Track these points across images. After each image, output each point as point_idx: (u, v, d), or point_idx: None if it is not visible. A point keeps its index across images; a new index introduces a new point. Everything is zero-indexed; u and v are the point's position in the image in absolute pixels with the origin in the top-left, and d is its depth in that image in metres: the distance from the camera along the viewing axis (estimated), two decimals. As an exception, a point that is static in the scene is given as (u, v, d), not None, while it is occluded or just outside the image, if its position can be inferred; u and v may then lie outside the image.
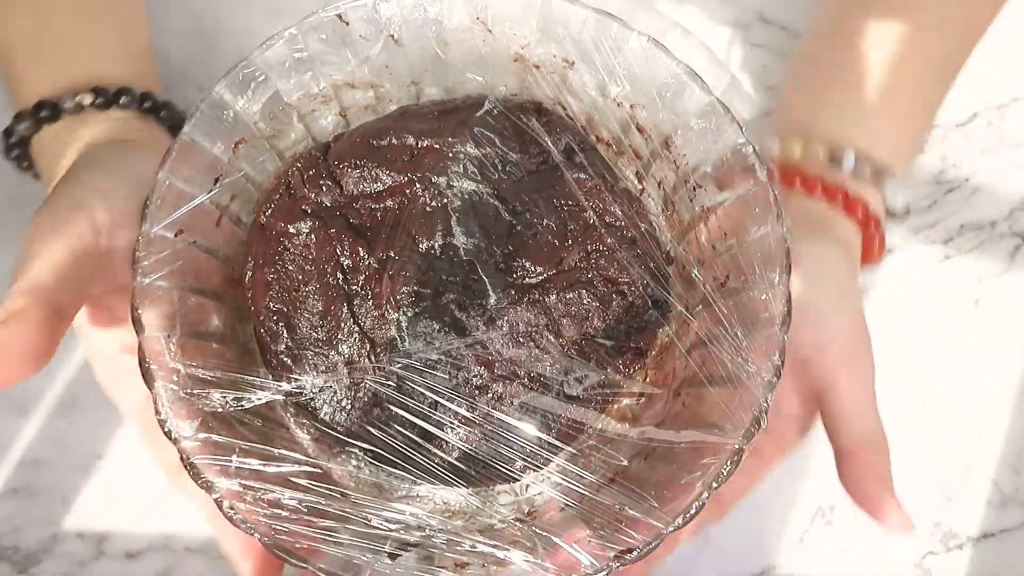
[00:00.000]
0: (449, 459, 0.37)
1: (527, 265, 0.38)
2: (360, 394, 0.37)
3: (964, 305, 0.48)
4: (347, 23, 0.36)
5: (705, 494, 0.32)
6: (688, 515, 0.32)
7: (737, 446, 0.32)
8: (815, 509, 0.46)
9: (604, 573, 0.32)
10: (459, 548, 0.35)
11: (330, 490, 0.36)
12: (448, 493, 0.39)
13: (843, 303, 0.36)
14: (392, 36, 0.37)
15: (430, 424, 0.36)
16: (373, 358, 0.37)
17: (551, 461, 0.38)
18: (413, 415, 0.36)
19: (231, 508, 0.32)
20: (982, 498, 0.46)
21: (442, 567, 0.34)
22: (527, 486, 0.39)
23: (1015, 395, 0.47)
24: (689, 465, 0.34)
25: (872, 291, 0.48)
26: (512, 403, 0.37)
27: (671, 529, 0.32)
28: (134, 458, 0.45)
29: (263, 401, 0.37)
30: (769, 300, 0.33)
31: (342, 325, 0.37)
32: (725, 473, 0.32)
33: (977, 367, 0.48)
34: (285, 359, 0.37)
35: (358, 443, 0.37)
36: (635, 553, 0.32)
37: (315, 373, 0.37)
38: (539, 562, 0.33)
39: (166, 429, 0.32)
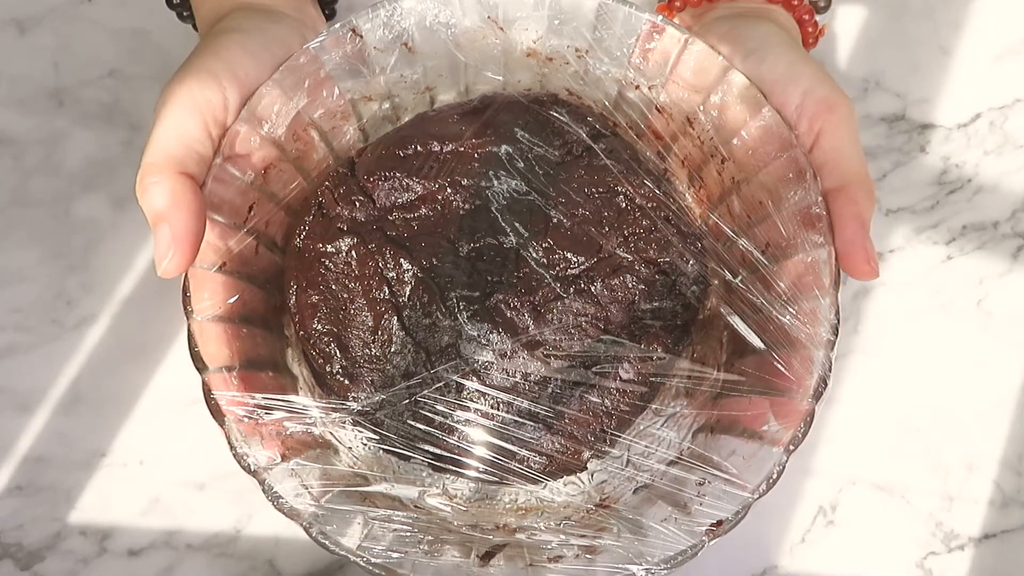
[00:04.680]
0: (517, 457, 0.36)
1: (568, 256, 0.37)
2: (421, 404, 0.36)
3: (966, 306, 0.48)
4: (361, 36, 0.35)
5: (785, 458, 0.32)
6: (771, 480, 0.32)
7: (810, 407, 0.32)
8: (816, 509, 0.46)
9: (699, 549, 0.32)
10: (549, 544, 0.35)
11: (417, 506, 0.36)
12: (517, 491, 0.39)
13: (803, 61, 0.36)
14: (406, 45, 0.37)
15: (494, 425, 0.36)
16: (429, 367, 0.36)
17: (614, 447, 0.37)
18: (476, 419, 0.36)
19: (321, 534, 0.32)
20: (984, 499, 0.46)
21: (537, 563, 0.34)
22: (593, 474, 0.39)
23: (1017, 396, 0.47)
24: (758, 433, 0.34)
25: (874, 291, 0.48)
26: (572, 394, 0.37)
27: (756, 496, 0.32)
28: (137, 455, 0.45)
29: (332, 422, 0.36)
30: (815, 261, 0.33)
31: (394, 338, 0.37)
32: (801, 435, 0.32)
33: (979, 368, 0.48)
34: (342, 379, 0.37)
35: (422, 455, 0.37)
36: (726, 525, 0.32)
37: (373, 389, 0.37)
38: (632, 543, 0.33)
39: (245, 463, 0.32)
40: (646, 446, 0.38)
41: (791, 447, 0.32)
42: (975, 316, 0.48)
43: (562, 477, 0.38)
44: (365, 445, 0.38)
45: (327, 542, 0.31)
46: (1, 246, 0.47)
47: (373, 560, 0.31)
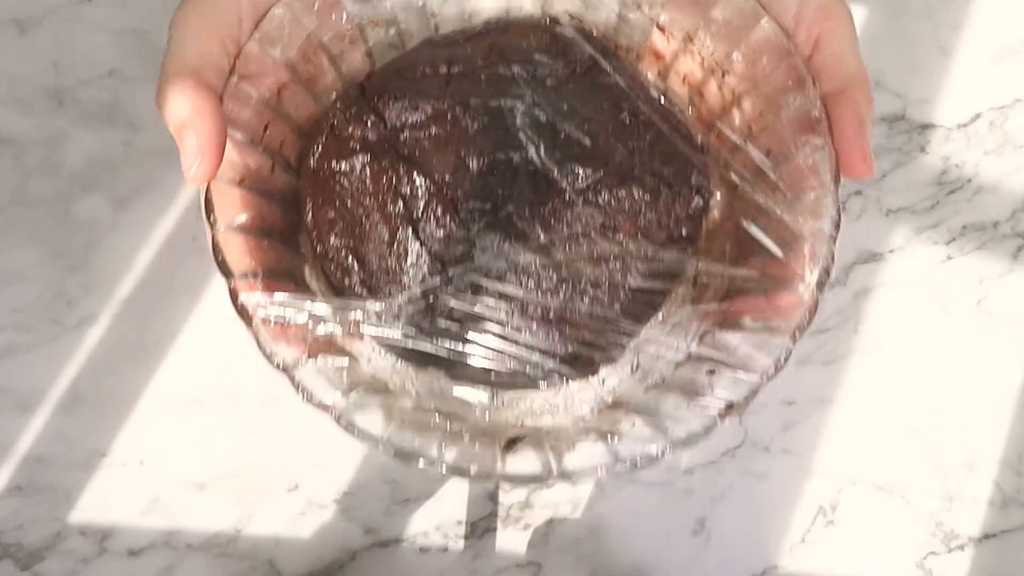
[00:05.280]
0: (530, 361, 0.38)
1: (576, 169, 0.39)
2: (437, 313, 0.38)
3: (966, 306, 0.48)
4: None
5: (791, 344, 0.33)
6: (779, 365, 0.33)
7: (815, 298, 0.34)
8: (817, 509, 0.46)
9: (712, 429, 0.34)
10: (568, 431, 0.37)
11: (438, 409, 0.38)
12: (532, 398, 0.41)
13: None
14: None
15: (508, 331, 0.38)
16: (445, 277, 0.38)
17: (624, 352, 0.39)
18: (490, 320, 0.38)
19: (348, 424, 0.33)
20: (984, 499, 0.46)
21: (558, 448, 0.35)
22: (604, 380, 0.40)
23: (1017, 396, 0.47)
24: (764, 327, 0.35)
25: (874, 291, 0.48)
26: (582, 300, 0.38)
27: (765, 380, 0.33)
28: (137, 455, 0.45)
29: (354, 323, 0.38)
30: (816, 162, 0.34)
31: (409, 250, 0.38)
32: (807, 323, 0.34)
33: (979, 368, 0.48)
34: (360, 291, 0.38)
35: (442, 352, 0.38)
36: (737, 408, 0.34)
37: (392, 299, 0.38)
38: (647, 428, 0.35)
39: (274, 361, 0.33)
40: (655, 350, 0.39)
41: (797, 333, 0.33)
42: (975, 316, 0.48)
43: (575, 380, 0.40)
44: (383, 355, 0.39)
45: (355, 431, 0.33)
46: (1, 246, 0.47)
47: (399, 445, 0.33)
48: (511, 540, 0.47)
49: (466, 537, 0.47)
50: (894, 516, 0.46)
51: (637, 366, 0.40)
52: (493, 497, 0.47)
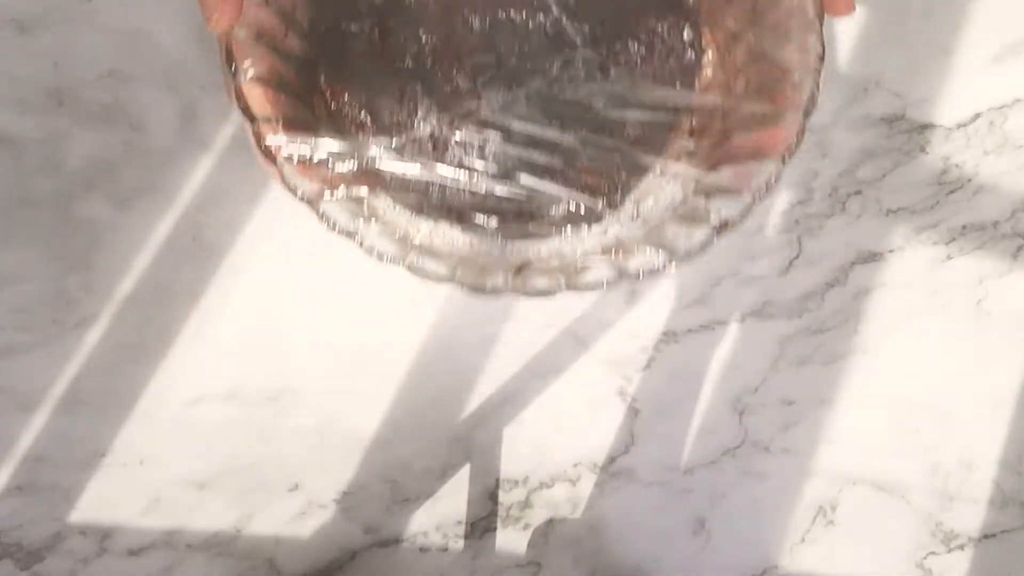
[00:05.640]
0: (536, 207, 0.41)
1: (575, 26, 0.42)
2: (447, 151, 0.41)
3: (966, 306, 0.48)
4: None
5: (781, 165, 0.35)
6: (770, 184, 0.35)
7: (802, 124, 0.36)
8: (816, 509, 0.46)
9: (709, 245, 0.36)
10: (576, 256, 0.40)
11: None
12: (539, 247, 0.42)
13: None
14: None
15: (515, 178, 0.40)
16: (454, 128, 0.41)
17: (625, 201, 0.42)
18: (500, 163, 0.40)
19: (370, 247, 0.35)
20: (983, 499, 0.46)
21: (568, 272, 0.37)
22: (607, 230, 0.42)
23: (1017, 396, 0.47)
24: (757, 157, 0.37)
25: (874, 291, 0.48)
26: (585, 149, 0.42)
27: (757, 201, 0.35)
28: (137, 455, 0.45)
29: (373, 156, 0.40)
30: (803, 3, 0.36)
31: (419, 105, 0.41)
32: (794, 146, 0.36)
33: (979, 368, 0.48)
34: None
35: (450, 215, 0.41)
36: (731, 225, 0.36)
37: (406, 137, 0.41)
38: (651, 249, 0.37)
39: (299, 195, 0.35)
40: (654, 198, 0.41)
41: (785, 156, 0.35)
42: (975, 316, 0.48)
43: (580, 226, 0.42)
44: (397, 210, 0.41)
45: (376, 253, 0.35)
46: (1, 246, 0.47)
47: (420, 266, 0.35)
48: (511, 540, 0.47)
49: (466, 537, 0.47)
50: (894, 516, 0.46)
51: (637, 214, 0.42)
52: (493, 497, 0.47)
